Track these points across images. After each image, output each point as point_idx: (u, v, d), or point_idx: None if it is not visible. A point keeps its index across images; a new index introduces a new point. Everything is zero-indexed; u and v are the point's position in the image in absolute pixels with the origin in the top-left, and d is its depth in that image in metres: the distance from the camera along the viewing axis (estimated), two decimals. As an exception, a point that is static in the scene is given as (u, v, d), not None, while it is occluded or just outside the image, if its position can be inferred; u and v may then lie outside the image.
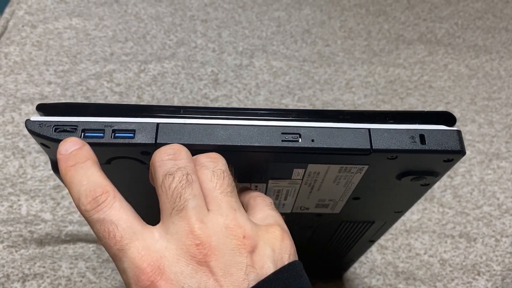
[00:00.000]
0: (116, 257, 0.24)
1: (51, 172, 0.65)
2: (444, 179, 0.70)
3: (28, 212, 0.61)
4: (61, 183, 0.64)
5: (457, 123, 0.78)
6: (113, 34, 0.87)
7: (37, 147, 0.67)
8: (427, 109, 0.81)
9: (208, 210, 0.25)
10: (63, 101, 0.74)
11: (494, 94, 0.85)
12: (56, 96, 0.74)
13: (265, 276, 0.24)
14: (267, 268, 0.24)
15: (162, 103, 0.77)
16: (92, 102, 0.75)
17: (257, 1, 0.98)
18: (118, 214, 0.24)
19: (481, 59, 0.92)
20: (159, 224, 0.25)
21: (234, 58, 0.86)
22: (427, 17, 1.00)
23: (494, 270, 0.61)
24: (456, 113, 0.81)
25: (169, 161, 0.25)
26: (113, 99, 0.76)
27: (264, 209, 0.29)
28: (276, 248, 0.25)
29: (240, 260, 0.24)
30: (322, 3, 1.00)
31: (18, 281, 0.55)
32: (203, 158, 0.27)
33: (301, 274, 0.26)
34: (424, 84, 0.86)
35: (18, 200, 0.61)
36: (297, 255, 0.27)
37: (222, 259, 0.23)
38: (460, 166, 0.72)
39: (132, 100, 0.76)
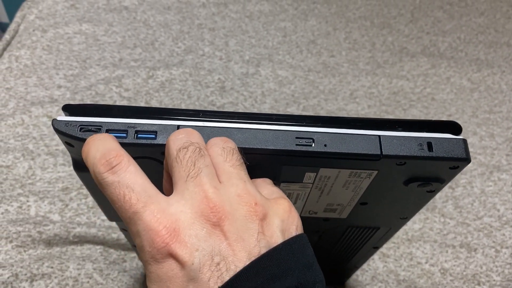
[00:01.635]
0: (130, 220, 0.24)
1: (60, 174, 0.66)
2: (446, 190, 0.72)
3: (36, 213, 0.62)
4: (70, 185, 0.65)
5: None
6: (122, 40, 0.89)
7: (47, 149, 0.69)
8: (430, 120, 0.83)
9: (219, 182, 0.26)
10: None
11: (496, 107, 0.87)
12: (65, 100, 0.75)
13: (275, 244, 0.25)
14: (276, 237, 0.25)
15: (169, 109, 0.78)
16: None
17: (264, 11, 1.00)
18: (134, 177, 0.24)
19: (483, 73, 0.93)
20: (173, 192, 0.25)
21: (240, 66, 0.88)
22: (430, 31, 1.02)
23: (494, 280, 0.62)
24: (458, 125, 0.82)
25: (183, 138, 0.26)
26: (121, 104, 0.77)
27: (267, 186, 0.30)
28: (285, 219, 0.26)
29: (252, 226, 0.24)
30: (328, 14, 1.02)
31: (26, 280, 0.56)
32: (214, 139, 0.28)
33: (307, 246, 0.26)
34: (427, 96, 0.88)
35: (27, 201, 0.62)
36: (303, 228, 0.28)
37: (235, 224, 0.24)
38: (462, 178, 0.73)
39: (140, 105, 0.78)
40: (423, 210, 0.68)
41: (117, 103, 0.77)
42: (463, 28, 1.04)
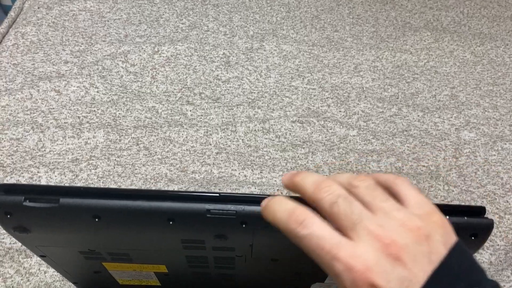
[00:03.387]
0: (329, 265, 0.29)
1: (69, 146, 0.67)
2: (450, 159, 0.73)
3: (47, 183, 0.63)
4: (79, 157, 0.66)
5: (462, 107, 0.81)
6: (127, 17, 0.89)
7: (55, 122, 0.70)
8: (433, 93, 0.83)
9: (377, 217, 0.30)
10: (79, 79, 0.76)
11: (499, 79, 0.87)
12: (73, 75, 0.76)
13: (442, 257, 0.28)
14: (441, 250, 0.29)
15: (175, 83, 0.79)
16: (108, 87, 0.77)
17: (267, -13, 1.00)
18: (321, 228, 0.29)
19: (486, 46, 0.93)
20: (350, 236, 0.29)
21: (245, 41, 0.88)
22: (433, 6, 1.02)
23: (498, 245, 0.63)
24: (462, 97, 0.83)
25: (328, 190, 0.31)
26: (128, 79, 0.78)
27: (413, 197, 0.32)
28: (442, 232, 0.30)
29: (422, 249, 0.28)
30: (331, -10, 1.02)
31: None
32: (346, 178, 0.33)
33: (466, 250, 0.30)
34: (430, 70, 0.88)
35: (38, 172, 0.63)
36: (455, 233, 0.31)
37: (410, 251, 0.28)
38: (465, 147, 0.74)
39: (147, 80, 0.78)
40: (427, 178, 0.69)
41: (124, 78, 0.78)
42: (466, 3, 1.04)
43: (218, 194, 0.33)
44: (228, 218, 0.32)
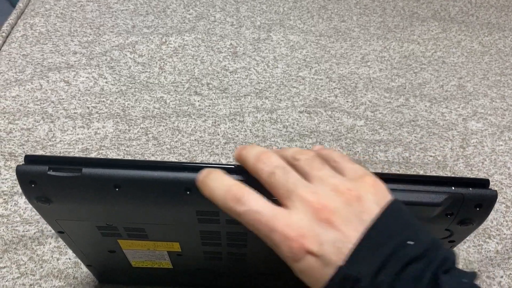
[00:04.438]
0: (268, 237, 0.30)
1: (79, 136, 0.68)
2: (457, 149, 0.73)
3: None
4: (89, 146, 0.66)
5: (469, 97, 0.81)
6: (134, 8, 0.89)
7: (65, 112, 0.70)
8: (440, 83, 0.83)
9: (313, 185, 0.31)
10: (88, 69, 0.76)
11: (507, 70, 0.87)
12: (81, 65, 0.77)
13: (375, 215, 0.29)
14: (374, 209, 0.30)
15: (183, 74, 0.79)
16: (116, 78, 0.77)
17: (274, -23, 1.00)
18: (257, 203, 0.30)
19: (494, 36, 0.93)
20: (284, 206, 0.30)
21: (252, 32, 0.88)
22: (441, -5, 1.02)
23: (505, 234, 0.64)
24: (469, 87, 0.83)
25: (266, 162, 0.32)
26: (136, 69, 0.78)
27: (348, 166, 0.33)
28: (374, 192, 0.31)
29: (353, 209, 0.29)
30: (338, -20, 1.02)
31: (52, 237, 0.58)
32: (289, 152, 0.34)
33: (402, 208, 0.31)
34: (438, 60, 0.88)
35: (49, 162, 0.64)
36: (392, 193, 0.32)
37: (341, 214, 0.29)
38: (472, 138, 0.74)
39: (155, 70, 0.79)
40: (434, 168, 0.69)
41: (132, 69, 0.78)
42: (474, -7, 1.03)
43: (234, 166, 0.34)
44: None
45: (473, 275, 0.29)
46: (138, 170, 0.33)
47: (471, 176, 0.69)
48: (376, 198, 0.30)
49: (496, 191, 0.34)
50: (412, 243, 0.28)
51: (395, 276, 0.27)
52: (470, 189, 0.34)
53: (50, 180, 0.33)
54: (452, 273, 0.28)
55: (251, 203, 0.30)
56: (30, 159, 0.33)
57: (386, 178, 0.33)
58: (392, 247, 0.28)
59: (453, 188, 0.34)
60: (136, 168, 0.33)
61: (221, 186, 0.31)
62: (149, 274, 0.50)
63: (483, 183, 0.34)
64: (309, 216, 0.29)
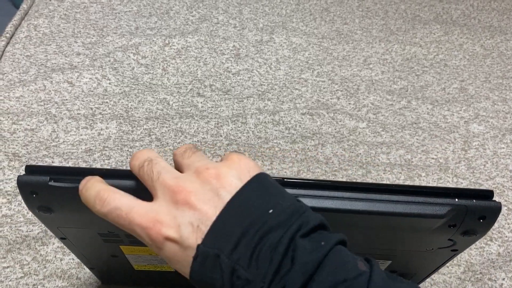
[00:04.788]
0: (131, 230, 0.30)
1: (83, 137, 0.68)
2: (459, 152, 0.73)
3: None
4: (93, 147, 0.67)
5: (471, 100, 0.81)
6: (138, 9, 0.90)
7: (69, 113, 0.70)
8: (442, 86, 0.84)
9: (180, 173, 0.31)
10: (91, 71, 0.77)
11: (509, 73, 0.87)
12: (85, 66, 0.77)
13: (236, 190, 0.29)
14: (235, 184, 0.30)
15: (186, 76, 0.79)
16: (119, 79, 0.78)
17: (277, -20, 1.00)
18: (119, 201, 0.30)
19: (496, 39, 0.93)
20: (153, 198, 0.31)
21: (254, 34, 0.89)
22: (443, -2, 1.02)
23: (506, 236, 0.64)
24: (471, 90, 0.83)
25: (138, 159, 0.33)
26: (139, 71, 0.79)
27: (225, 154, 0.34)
28: (237, 167, 0.31)
29: (210, 187, 0.29)
30: (340, -17, 1.02)
31: (55, 237, 0.58)
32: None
33: (265, 179, 0.30)
34: (440, 63, 0.88)
35: (53, 162, 0.64)
36: (260, 169, 0.32)
37: (198, 193, 0.29)
38: (474, 140, 0.75)
39: (158, 72, 0.79)
40: (436, 170, 0.69)
41: (135, 70, 0.79)
42: (476, -4, 1.04)
43: None
44: None
45: (336, 237, 0.28)
46: (135, 181, 0.33)
47: (473, 180, 0.70)
48: (238, 173, 0.30)
49: (500, 203, 0.34)
50: (271, 211, 0.28)
51: (253, 248, 0.27)
52: (474, 200, 0.34)
53: (51, 191, 0.33)
54: (312, 236, 0.28)
55: (113, 202, 0.30)
56: (31, 169, 0.33)
57: (390, 189, 0.33)
58: (251, 219, 0.28)
59: (456, 200, 0.34)
60: (134, 178, 0.33)
61: (92, 193, 0.31)
62: (152, 276, 0.50)
63: (487, 194, 0.34)
64: (168, 201, 0.29)
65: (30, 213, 0.59)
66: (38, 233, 0.57)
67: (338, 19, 0.94)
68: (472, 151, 0.73)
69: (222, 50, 0.85)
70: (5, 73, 0.75)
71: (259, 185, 0.30)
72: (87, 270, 0.54)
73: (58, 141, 0.67)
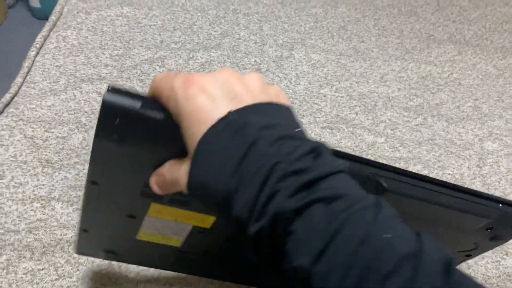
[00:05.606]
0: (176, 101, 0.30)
1: (112, 145, 0.70)
2: (474, 168, 0.75)
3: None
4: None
5: (485, 118, 0.83)
6: (162, 23, 0.93)
7: (98, 122, 0.73)
8: (457, 104, 0.86)
9: None
10: (119, 82, 0.79)
11: (521, 93, 0.90)
12: (113, 78, 0.80)
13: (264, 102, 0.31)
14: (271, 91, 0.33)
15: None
16: (146, 90, 0.80)
17: (295, -3, 1.04)
18: (205, 81, 0.31)
19: (508, 60, 0.96)
20: None
21: (275, 50, 0.92)
22: (456, 19, 1.05)
23: (521, 251, 0.66)
24: (484, 109, 0.86)
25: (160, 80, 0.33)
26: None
27: None
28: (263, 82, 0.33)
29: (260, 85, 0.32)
30: (357, 2, 1.05)
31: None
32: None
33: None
34: (454, 81, 0.91)
35: (84, 169, 0.67)
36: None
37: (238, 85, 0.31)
38: (488, 157, 0.77)
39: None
40: (453, 186, 0.71)
41: (161, 82, 0.81)
42: (488, 17, 1.07)
43: None
44: None
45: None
46: None
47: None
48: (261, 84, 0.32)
49: None
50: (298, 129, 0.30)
51: (277, 138, 0.28)
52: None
53: (138, 119, 0.29)
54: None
55: (201, 84, 0.30)
56: (117, 90, 0.28)
57: (445, 185, 0.36)
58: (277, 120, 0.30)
59: (500, 205, 0.36)
60: None
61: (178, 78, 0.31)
62: (143, 250, 0.47)
63: None
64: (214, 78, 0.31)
65: (63, 217, 0.61)
66: (71, 237, 0.59)
67: (355, 37, 0.97)
68: (486, 168, 0.76)
69: (244, 65, 0.87)
70: (36, 82, 0.78)
71: (292, 110, 0.33)
72: (118, 270, 0.56)
73: (89, 149, 0.70)
